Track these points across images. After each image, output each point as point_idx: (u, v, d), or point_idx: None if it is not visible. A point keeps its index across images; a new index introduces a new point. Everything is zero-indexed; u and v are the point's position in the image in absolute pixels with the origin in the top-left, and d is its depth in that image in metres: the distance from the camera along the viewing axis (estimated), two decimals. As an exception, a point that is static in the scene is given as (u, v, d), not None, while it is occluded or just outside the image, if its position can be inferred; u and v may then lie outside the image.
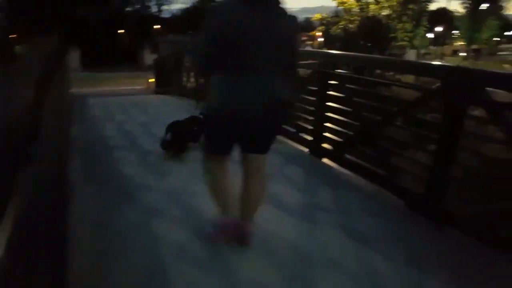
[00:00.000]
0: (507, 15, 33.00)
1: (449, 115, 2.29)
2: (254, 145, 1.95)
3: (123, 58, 27.53)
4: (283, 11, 1.82)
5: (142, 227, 2.25)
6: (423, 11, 18.76)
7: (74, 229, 2.12)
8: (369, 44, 14.38)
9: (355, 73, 3.59)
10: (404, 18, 17.96)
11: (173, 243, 2.08)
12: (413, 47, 21.15)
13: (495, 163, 2.19)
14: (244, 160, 2.00)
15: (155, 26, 37.93)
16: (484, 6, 25.84)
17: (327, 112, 3.46)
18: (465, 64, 23.87)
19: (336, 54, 3.32)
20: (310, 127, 3.70)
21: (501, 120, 2.00)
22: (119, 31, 33.34)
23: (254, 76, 1.77)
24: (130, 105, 6.34)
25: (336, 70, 3.31)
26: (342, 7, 15.09)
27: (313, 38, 25.01)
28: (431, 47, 40.14)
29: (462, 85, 2.21)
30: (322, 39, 21.69)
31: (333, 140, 3.41)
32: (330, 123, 3.45)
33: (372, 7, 14.85)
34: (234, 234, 2.01)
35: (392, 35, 16.88)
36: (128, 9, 39.60)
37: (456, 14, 29.07)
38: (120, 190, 2.76)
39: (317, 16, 15.89)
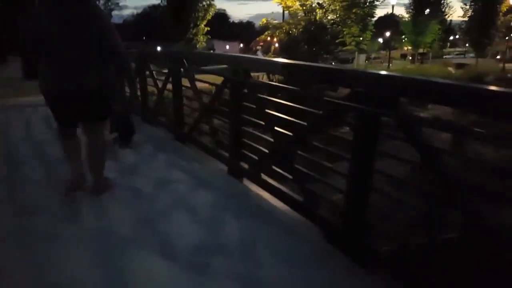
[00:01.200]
0: (451, 20, 35.04)
1: (360, 131, 1.89)
2: (80, 116, 2.43)
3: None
4: (84, 5, 2.20)
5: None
6: (367, 15, 19.19)
7: None
8: (314, 49, 14.31)
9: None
10: (349, 22, 18.29)
11: None
12: (361, 51, 21.62)
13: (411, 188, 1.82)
14: (83, 128, 2.53)
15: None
16: (427, 11, 27.20)
17: (243, 125, 3.00)
18: (411, 67, 24.90)
19: (247, 59, 2.87)
20: (227, 143, 3.22)
21: (413, 138, 1.63)
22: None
23: (61, 64, 2.22)
24: (46, 117, 5.40)
25: (250, 78, 2.85)
26: (287, 11, 14.92)
27: (270, 43, 24.83)
28: (382, 52, 41.83)
29: (373, 95, 1.82)
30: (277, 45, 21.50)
31: (252, 158, 2.95)
32: (247, 138, 2.99)
33: (318, 11, 14.81)
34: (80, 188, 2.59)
35: (340, 39, 17.04)
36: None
37: (404, 19, 30.36)
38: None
39: (263, 20, 15.57)
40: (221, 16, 60.06)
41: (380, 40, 40.95)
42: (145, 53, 5.00)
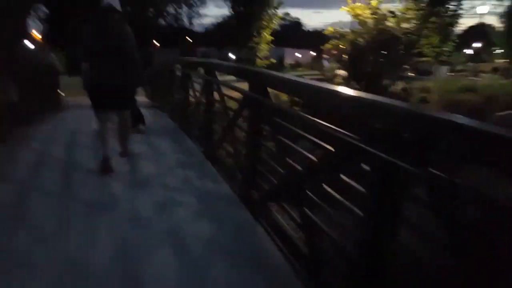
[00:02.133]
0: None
1: (376, 184, 1.37)
2: (113, 106, 3.37)
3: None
4: (117, 18, 3.28)
5: None
6: (449, 24, 17.00)
7: None
8: (381, 60, 13.04)
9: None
10: (425, 32, 16.36)
11: None
12: (442, 62, 19.28)
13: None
14: (116, 113, 3.50)
15: (187, 39, 39.08)
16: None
17: (259, 150, 2.60)
18: (504, 83, 21.75)
19: (265, 74, 2.45)
20: (242, 165, 2.85)
21: (446, 215, 1.07)
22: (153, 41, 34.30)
23: (102, 65, 3.18)
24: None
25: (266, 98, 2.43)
26: (357, 20, 13.90)
27: (343, 52, 23.69)
28: (470, 64, 37.40)
29: (398, 137, 1.29)
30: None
31: (263, 189, 2.53)
32: (260, 164, 2.58)
33: (391, 20, 13.51)
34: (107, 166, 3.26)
35: (417, 50, 15.39)
36: (161, 20, 41.16)
37: (496, 29, 26.70)
38: None
39: (329, 29, 14.76)
40: (295, 25, 60.00)
41: (469, 51, 36.73)
42: (186, 62, 4.88)
